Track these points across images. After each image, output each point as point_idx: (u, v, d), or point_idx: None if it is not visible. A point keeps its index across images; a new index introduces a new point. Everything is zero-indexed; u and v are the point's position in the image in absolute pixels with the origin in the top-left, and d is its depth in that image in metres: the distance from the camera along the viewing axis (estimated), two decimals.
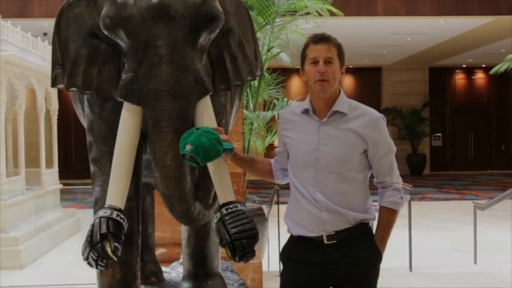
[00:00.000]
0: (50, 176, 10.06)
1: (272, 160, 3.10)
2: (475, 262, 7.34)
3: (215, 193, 2.80)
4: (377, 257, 2.83)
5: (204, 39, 2.72)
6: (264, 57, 6.81)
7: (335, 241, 2.77)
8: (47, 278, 7.13)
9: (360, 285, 2.81)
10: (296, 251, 2.89)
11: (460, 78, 22.90)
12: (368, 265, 2.81)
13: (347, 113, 2.77)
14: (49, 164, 10.23)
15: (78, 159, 19.09)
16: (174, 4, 2.59)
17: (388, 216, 2.82)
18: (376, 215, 2.90)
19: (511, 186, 10.75)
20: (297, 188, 2.86)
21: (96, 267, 2.62)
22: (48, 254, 8.64)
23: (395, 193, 2.81)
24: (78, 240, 9.02)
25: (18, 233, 8.04)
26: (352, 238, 2.77)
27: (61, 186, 10.51)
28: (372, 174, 2.89)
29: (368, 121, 2.76)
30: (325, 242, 2.77)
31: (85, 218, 10.26)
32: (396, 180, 2.83)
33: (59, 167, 10.66)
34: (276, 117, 6.95)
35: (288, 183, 3.01)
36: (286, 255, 2.95)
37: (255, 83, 7.32)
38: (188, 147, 2.50)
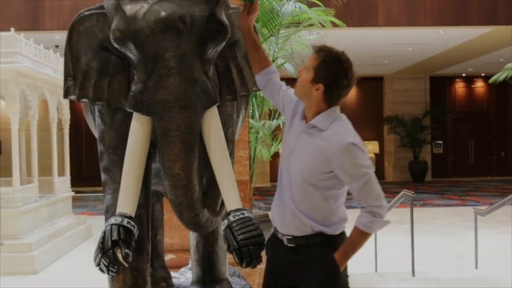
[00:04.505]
0: (62, 184, 10.09)
1: (273, 69, 3.05)
2: (476, 267, 7.32)
3: (222, 200, 2.81)
4: (332, 272, 2.71)
5: (211, 51, 2.73)
6: None
7: (293, 245, 2.74)
8: (60, 283, 7.14)
9: None
10: (270, 246, 2.88)
11: (460, 86, 22.86)
12: (323, 280, 2.73)
13: (324, 130, 2.68)
14: (61, 172, 10.27)
15: (89, 167, 19.09)
16: (182, 18, 2.60)
17: (356, 235, 2.69)
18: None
19: (511, 192, 10.71)
20: (278, 178, 2.85)
21: (108, 273, 2.63)
22: (60, 259, 8.66)
23: (368, 216, 2.64)
24: (90, 246, 9.04)
25: (31, 239, 8.06)
26: (310, 246, 2.73)
27: (73, 193, 10.54)
28: None
29: (333, 146, 2.63)
30: (285, 243, 2.76)
31: (96, 225, 10.30)
32: (373, 203, 2.64)
33: (71, 175, 10.71)
34: (281, 125, 6.96)
35: None
36: (266, 249, 2.89)
37: (260, 93, 7.32)
38: None
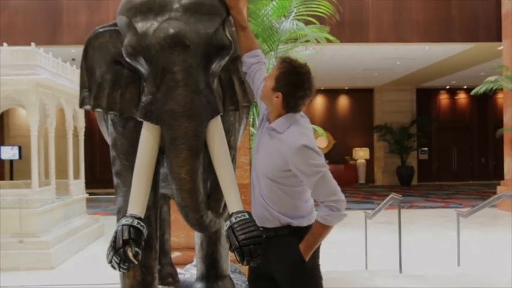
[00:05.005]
0: (77, 186, 10.08)
1: (258, 52, 2.99)
2: (458, 264, 7.30)
3: (225, 203, 2.81)
4: (298, 262, 2.69)
5: (215, 65, 2.73)
6: None
7: (264, 236, 2.68)
8: (74, 278, 7.12)
9: (283, 286, 2.75)
10: None
11: (444, 98, 22.88)
12: (289, 269, 2.71)
13: (282, 133, 2.69)
14: (76, 175, 10.27)
15: (102, 170, 19.08)
16: (189, 34, 2.60)
17: (317, 228, 2.68)
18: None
19: (490, 195, 10.70)
20: (251, 174, 2.85)
21: (119, 270, 2.62)
22: (75, 255, 8.64)
23: (326, 210, 2.62)
24: (102, 244, 9.03)
25: (48, 238, 8.05)
26: (279, 237, 2.71)
27: (87, 195, 10.54)
28: None
29: (288, 148, 2.63)
30: None
31: (108, 224, 10.30)
32: (329, 198, 2.62)
33: (85, 178, 10.70)
34: None
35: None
36: None
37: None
38: None
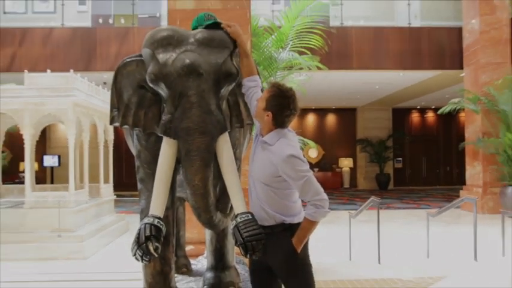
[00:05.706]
0: (107, 189, 10.07)
1: (256, 78, 2.97)
2: (428, 256, 7.27)
3: (231, 205, 2.81)
4: (291, 253, 2.68)
5: (224, 90, 2.75)
6: None
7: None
8: (104, 267, 7.10)
9: (279, 275, 2.74)
10: None
11: (415, 116, 22.84)
12: (285, 259, 2.70)
13: (272, 145, 2.70)
14: (106, 180, 10.25)
15: (127, 176, 19.01)
16: (202, 64, 2.63)
17: (305, 223, 2.67)
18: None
19: (455, 198, 10.65)
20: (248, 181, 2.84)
21: (142, 261, 2.62)
22: (105, 248, 8.61)
23: (312, 208, 2.63)
24: (128, 238, 8.97)
25: (82, 232, 8.03)
26: (274, 234, 2.69)
27: (115, 197, 10.51)
28: None
29: (277, 157, 2.64)
30: None
31: (132, 221, 10.26)
32: (314, 198, 2.62)
33: (113, 182, 10.68)
34: None
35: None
36: None
37: None
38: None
